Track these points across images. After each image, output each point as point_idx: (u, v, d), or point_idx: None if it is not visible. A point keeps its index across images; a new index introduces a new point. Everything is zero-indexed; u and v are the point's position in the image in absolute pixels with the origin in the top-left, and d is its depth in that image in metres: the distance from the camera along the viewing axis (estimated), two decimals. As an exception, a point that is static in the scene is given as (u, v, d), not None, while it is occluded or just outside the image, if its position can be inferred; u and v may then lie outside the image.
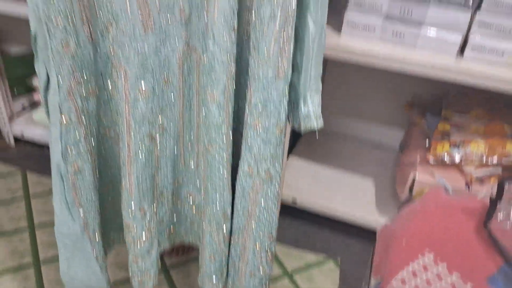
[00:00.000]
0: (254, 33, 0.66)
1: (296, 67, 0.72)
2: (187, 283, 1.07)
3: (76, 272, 0.83)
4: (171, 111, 0.75)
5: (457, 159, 1.01)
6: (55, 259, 1.10)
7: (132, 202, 0.77)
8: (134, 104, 0.70)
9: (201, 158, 0.80)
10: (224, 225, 0.80)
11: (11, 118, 1.47)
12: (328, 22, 1.07)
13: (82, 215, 0.76)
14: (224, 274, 0.87)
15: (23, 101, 1.54)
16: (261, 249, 0.81)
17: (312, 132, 1.52)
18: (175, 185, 0.84)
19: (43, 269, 1.07)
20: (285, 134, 0.74)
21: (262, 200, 0.77)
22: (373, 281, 0.49)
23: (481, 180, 1.00)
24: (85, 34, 0.67)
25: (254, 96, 0.69)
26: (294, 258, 1.16)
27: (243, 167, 0.76)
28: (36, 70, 0.76)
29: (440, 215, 0.53)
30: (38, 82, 0.78)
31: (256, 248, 0.81)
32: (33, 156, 1.45)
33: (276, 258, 1.16)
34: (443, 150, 1.01)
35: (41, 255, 1.11)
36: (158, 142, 0.77)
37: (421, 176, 1.00)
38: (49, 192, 1.31)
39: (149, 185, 0.78)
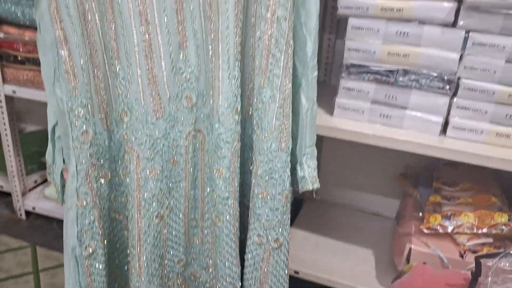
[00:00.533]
0: (257, 113, 0.75)
1: (293, 136, 0.79)
2: None
3: None
4: (177, 191, 0.80)
5: (449, 230, 1.06)
6: (61, 336, 1.11)
7: (142, 286, 0.78)
8: (144, 185, 0.75)
9: (207, 234, 0.83)
10: None
11: (24, 193, 1.54)
12: (322, 105, 1.17)
13: None
14: None
15: (36, 176, 1.62)
16: None
17: (312, 204, 1.57)
18: (180, 265, 0.85)
19: None
20: (290, 201, 0.79)
21: (273, 268, 0.80)
22: None
23: (474, 250, 1.04)
24: (101, 124, 0.75)
25: (260, 168, 0.75)
26: (297, 331, 1.16)
27: (252, 237, 0.79)
28: (49, 158, 0.81)
29: (426, 291, 0.58)
30: (52, 169, 0.83)
31: None
32: (43, 230, 1.50)
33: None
34: (436, 222, 1.06)
35: (48, 332, 1.12)
36: (166, 222, 0.80)
37: (417, 247, 1.05)
38: (58, 266, 1.34)
39: (157, 267, 0.80)
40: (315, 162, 0.81)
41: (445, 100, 0.98)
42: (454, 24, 0.93)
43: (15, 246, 1.41)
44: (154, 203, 0.76)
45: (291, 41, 0.71)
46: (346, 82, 1.05)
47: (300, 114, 0.78)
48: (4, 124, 1.40)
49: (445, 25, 0.93)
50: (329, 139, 1.50)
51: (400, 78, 1.00)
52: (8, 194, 1.58)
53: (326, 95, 1.23)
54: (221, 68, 0.71)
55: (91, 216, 0.75)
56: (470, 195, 1.12)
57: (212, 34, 0.71)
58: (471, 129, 0.98)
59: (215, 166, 0.76)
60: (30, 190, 1.57)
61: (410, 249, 1.05)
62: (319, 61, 1.39)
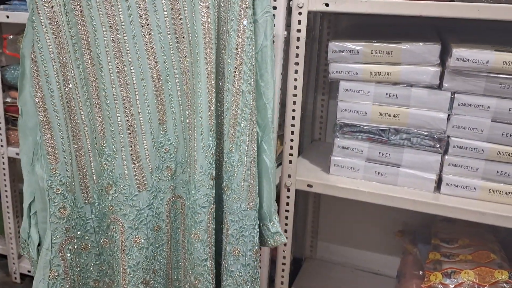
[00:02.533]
0: (226, 175, 0.81)
1: (260, 196, 0.84)
2: None
3: None
4: (160, 254, 0.85)
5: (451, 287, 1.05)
6: None
7: None
8: (129, 253, 0.79)
9: None
10: None
11: (20, 255, 1.52)
12: (318, 163, 1.20)
13: None
14: None
15: (33, 238, 1.61)
16: None
17: (311, 263, 1.55)
18: None
19: None
20: (259, 256, 0.84)
21: None
22: None
23: (477, 310, 1.02)
24: (81, 198, 0.80)
25: (231, 227, 0.81)
26: None
27: None
28: (24, 234, 0.83)
29: None
30: (26, 244, 0.84)
31: None
32: (38, 294, 1.46)
33: None
34: (437, 280, 1.05)
35: None
36: (151, 285, 0.83)
37: (418, 307, 1.03)
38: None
39: None
40: (278, 217, 0.88)
41: (436, 157, 1.01)
42: (440, 86, 0.98)
43: (9, 311, 1.37)
44: (139, 270, 0.80)
45: (255, 110, 0.80)
46: (340, 141, 1.09)
47: (266, 174, 0.84)
48: (5, 185, 1.41)
49: (431, 87, 0.98)
50: (326, 197, 1.52)
51: (392, 137, 1.04)
52: (3, 256, 1.56)
53: (322, 152, 1.27)
54: (196, 139, 0.78)
55: (62, 287, 0.78)
56: (469, 252, 1.12)
57: (188, 109, 0.79)
58: (464, 185, 1.00)
59: (193, 230, 0.81)
60: (26, 252, 1.56)
61: (412, 308, 1.04)
62: (314, 120, 1.44)
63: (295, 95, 1.04)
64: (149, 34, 0.74)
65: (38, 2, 0.69)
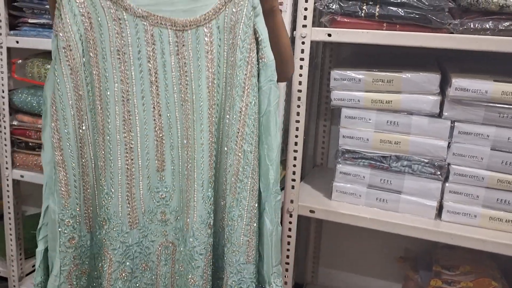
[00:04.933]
0: (227, 228, 0.85)
1: (260, 257, 0.88)
2: None
3: None
4: None
5: (453, 316, 1.05)
6: None
7: None
8: (114, 284, 0.83)
9: None
10: None
11: (20, 277, 1.52)
12: (320, 189, 1.22)
13: None
14: None
15: (34, 261, 1.60)
16: None
17: (312, 287, 1.55)
18: None
19: None
20: None
21: None
22: None
23: (479, 338, 1.02)
24: (85, 228, 0.85)
25: (230, 278, 0.85)
26: None
27: None
28: (39, 259, 0.87)
29: None
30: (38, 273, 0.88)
31: None
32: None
33: None
34: (438, 308, 1.05)
35: None
36: None
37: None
38: None
39: None
40: (281, 280, 0.90)
41: (437, 185, 1.03)
42: (440, 115, 1.00)
43: (8, 335, 1.36)
44: None
45: (257, 169, 0.84)
46: (342, 167, 1.10)
47: (265, 236, 0.87)
48: (9, 207, 1.42)
49: (432, 115, 1.01)
50: (328, 222, 1.52)
51: (393, 164, 1.05)
52: (4, 279, 1.56)
53: (323, 178, 1.28)
54: (196, 190, 0.83)
55: None
56: (471, 279, 1.12)
57: (189, 162, 0.84)
58: (464, 213, 1.01)
59: (189, 276, 0.84)
60: (27, 275, 1.55)
61: (414, 337, 1.03)
62: (316, 145, 1.46)
63: (298, 121, 1.07)
64: (157, 90, 0.81)
65: (60, 52, 0.75)
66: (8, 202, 1.41)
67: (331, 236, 1.53)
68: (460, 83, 0.94)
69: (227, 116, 0.83)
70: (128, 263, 0.84)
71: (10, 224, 1.44)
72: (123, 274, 0.83)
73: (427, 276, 1.19)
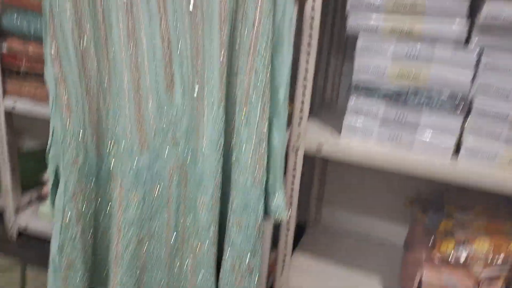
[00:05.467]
0: (236, 150, 0.81)
1: (267, 171, 0.84)
2: None
3: None
4: (159, 219, 0.86)
5: (462, 258, 1.01)
6: None
7: None
8: (125, 210, 0.81)
9: (188, 261, 0.87)
10: None
11: (17, 210, 1.49)
12: (329, 126, 1.14)
13: None
14: None
15: (30, 194, 1.57)
16: None
17: (315, 229, 1.52)
18: (165, 286, 0.90)
19: None
20: (263, 230, 0.84)
21: None
22: None
23: (489, 280, 0.98)
24: (93, 151, 0.81)
25: (236, 199, 0.82)
26: None
27: (226, 264, 0.84)
28: (49, 175, 0.86)
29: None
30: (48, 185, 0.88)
31: None
32: (35, 250, 1.44)
33: None
34: (448, 249, 1.01)
35: None
36: (146, 246, 0.85)
37: (429, 275, 0.99)
38: (48, 288, 1.28)
39: (134, 282, 0.85)
40: (284, 192, 0.88)
41: (457, 121, 0.95)
42: (467, 43, 0.90)
43: (4, 265, 1.35)
44: (132, 228, 0.82)
45: (268, 87, 0.79)
46: (355, 103, 1.02)
47: (274, 149, 0.84)
48: (1, 137, 1.36)
49: (457, 44, 0.91)
50: (334, 163, 1.46)
51: (411, 98, 0.97)
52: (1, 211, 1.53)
53: (333, 115, 1.20)
54: (206, 109, 0.79)
55: (73, 233, 0.81)
56: (484, 221, 1.07)
57: (199, 79, 0.79)
58: (484, 152, 0.94)
59: (198, 199, 0.82)
60: (24, 208, 1.52)
61: (421, 278, 1.00)
62: (326, 81, 1.37)
63: (308, 52, 0.97)
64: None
65: None
66: (1, 130, 1.35)
67: (337, 176, 1.48)
68: (494, 7, 0.84)
69: (239, 30, 0.76)
70: (139, 188, 0.81)
71: (3, 156, 1.39)
72: (134, 200, 0.80)
73: (437, 218, 1.14)
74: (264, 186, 0.83)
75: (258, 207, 0.81)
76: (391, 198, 1.41)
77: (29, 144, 1.83)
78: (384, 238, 1.46)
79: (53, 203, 0.88)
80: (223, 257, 0.85)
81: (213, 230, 0.82)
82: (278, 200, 0.85)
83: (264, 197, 0.84)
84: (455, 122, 0.95)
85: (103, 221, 0.86)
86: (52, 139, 0.83)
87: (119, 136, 0.79)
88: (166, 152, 0.82)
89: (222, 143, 0.80)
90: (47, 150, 0.85)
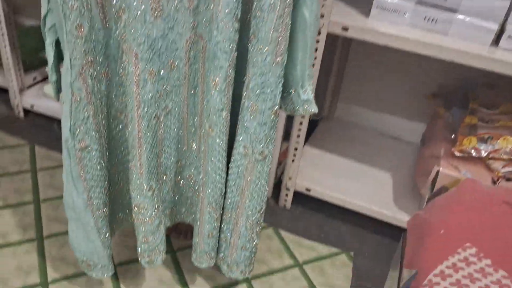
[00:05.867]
0: (255, 21, 0.71)
1: (294, 57, 0.75)
2: (193, 267, 1.04)
3: (80, 244, 0.88)
4: (176, 95, 0.79)
5: (484, 154, 0.96)
6: (59, 234, 1.07)
7: (144, 182, 0.81)
8: (143, 86, 0.73)
9: (202, 142, 0.83)
10: (220, 203, 0.85)
11: (21, 90, 1.44)
12: (355, 5, 1.02)
13: (86, 190, 0.80)
14: (216, 249, 0.92)
15: (35, 74, 1.51)
16: (252, 223, 0.87)
17: (328, 123, 1.47)
18: (178, 166, 0.88)
19: (46, 244, 1.04)
20: (278, 117, 0.78)
21: (255, 178, 0.82)
22: (405, 273, 0.45)
23: (508, 178, 0.95)
24: (99, 20, 0.72)
25: (252, 81, 0.73)
26: (305, 248, 1.12)
27: (238, 148, 0.80)
28: (46, 52, 0.78)
29: (479, 207, 0.49)
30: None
31: (248, 223, 0.86)
32: (42, 129, 1.42)
33: (287, 248, 1.12)
34: (470, 145, 0.96)
35: (45, 230, 1.08)
36: (162, 123, 0.80)
37: (446, 170, 0.96)
38: (57, 167, 1.28)
39: (155, 164, 0.82)
40: (312, 85, 0.79)
41: (503, 3, 0.83)
42: None
43: (12, 144, 1.34)
44: (152, 105, 0.76)
45: None
46: (389, -24, 0.89)
47: (302, 31, 0.73)
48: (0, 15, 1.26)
49: None
50: (354, 52, 1.36)
51: (455, -27, 0.84)
52: (5, 91, 1.49)
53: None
54: None
55: (85, 112, 0.75)
56: (509, 119, 1.01)
57: None
58: (530, 39, 0.84)
59: (211, 77, 0.74)
60: (28, 87, 1.47)
61: (438, 171, 0.96)
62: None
63: None
64: None
65: None
66: (-4, 2, 1.25)
67: (355, 68, 1.39)
68: None
69: None
70: (155, 60, 0.73)
71: (2, 32, 1.30)
72: (152, 75, 0.73)
73: (460, 114, 1.08)
74: (284, 66, 0.74)
75: (277, 90, 0.74)
76: (412, 93, 1.34)
77: (30, 22, 1.72)
78: (399, 135, 1.42)
79: (55, 82, 0.82)
80: (235, 143, 0.81)
81: (225, 113, 0.76)
82: (307, 92, 0.77)
83: (287, 83, 0.76)
84: (500, 5, 0.84)
85: (116, 100, 0.79)
86: (48, 5, 0.73)
87: (129, 1, 0.69)
88: (182, 20, 0.72)
89: (240, 11, 0.69)
90: (42, 18, 0.75)
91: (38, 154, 1.31)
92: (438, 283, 0.40)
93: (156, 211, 0.85)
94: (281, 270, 1.05)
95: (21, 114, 1.46)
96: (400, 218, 1.10)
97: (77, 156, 0.77)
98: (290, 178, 1.19)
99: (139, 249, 0.88)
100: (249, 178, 0.82)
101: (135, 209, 0.83)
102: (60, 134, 1.38)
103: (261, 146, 0.78)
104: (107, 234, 0.86)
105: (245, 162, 0.80)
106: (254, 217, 0.86)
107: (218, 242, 0.91)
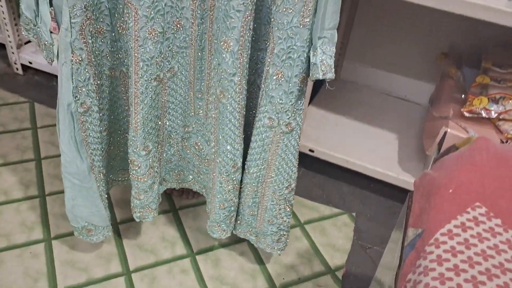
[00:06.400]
0: None
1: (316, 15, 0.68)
2: (194, 225, 1.04)
3: (81, 211, 0.86)
4: (182, 57, 0.75)
5: (493, 115, 0.93)
6: (60, 192, 1.07)
7: (138, 141, 0.79)
8: (143, 45, 0.69)
9: (211, 108, 0.79)
10: (234, 175, 0.81)
11: (19, 45, 1.40)
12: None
13: (89, 154, 0.78)
14: (232, 222, 0.90)
15: (31, 28, 1.46)
16: (280, 198, 0.83)
17: (334, 83, 1.44)
18: (185, 131, 0.86)
19: (49, 201, 1.04)
20: (306, 85, 0.72)
21: (282, 152, 0.77)
22: (410, 232, 0.44)
23: (517, 140, 0.93)
24: None
25: (277, 46, 0.68)
26: (307, 209, 1.12)
27: (262, 120, 0.75)
28: (28, 13, 0.73)
29: (493, 166, 0.47)
30: (31, 25, 0.75)
31: (275, 197, 0.83)
32: (42, 87, 1.40)
33: (288, 208, 1.11)
34: (481, 105, 0.93)
35: (47, 188, 1.07)
36: (167, 85, 0.77)
37: (454, 131, 0.93)
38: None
39: (154, 126, 0.79)
40: (334, 49, 0.69)
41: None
42: None
43: (12, 101, 1.32)
44: (152, 66, 0.72)
45: None
46: None
47: None
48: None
49: None
50: (362, 10, 1.31)
51: None
52: (2, 46, 1.45)
53: None
54: None
55: (87, 73, 0.72)
56: (524, 79, 0.97)
57: None
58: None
59: (223, 38, 0.68)
60: (26, 43, 1.43)
61: (445, 132, 0.94)
62: None
63: None
64: None
65: None
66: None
67: (363, 27, 1.34)
68: None
69: None
70: (157, 19, 0.68)
71: (-5, -20, 1.25)
72: (153, 34, 0.68)
73: (471, 74, 1.04)
74: (312, 31, 0.66)
75: (304, 55, 0.67)
76: (421, 53, 1.29)
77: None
78: (407, 96, 1.38)
79: (50, 42, 0.74)
80: (258, 115, 0.75)
81: (238, 79, 0.70)
82: (326, 55, 0.68)
83: (311, 45, 0.68)
84: (525, -48, 0.78)
85: (111, 57, 0.76)
86: None
87: None
88: None
89: None
90: None
91: (38, 111, 1.29)
92: (445, 242, 0.38)
93: (150, 170, 0.83)
94: (283, 230, 1.06)
95: (20, 70, 1.43)
96: (405, 180, 1.09)
97: (80, 120, 0.75)
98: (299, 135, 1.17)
99: (132, 203, 0.88)
100: (275, 151, 0.77)
101: (130, 164, 0.82)
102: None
103: (287, 117, 0.73)
104: (105, 195, 0.86)
105: (270, 135, 0.76)
106: (281, 193, 0.82)
107: (244, 217, 0.89)
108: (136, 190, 0.85)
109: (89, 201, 0.84)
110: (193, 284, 0.92)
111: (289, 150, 0.77)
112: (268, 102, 0.73)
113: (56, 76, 1.41)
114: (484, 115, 0.93)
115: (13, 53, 1.39)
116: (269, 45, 0.69)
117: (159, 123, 0.80)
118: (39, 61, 1.38)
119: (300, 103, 0.73)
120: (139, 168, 0.81)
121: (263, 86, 0.73)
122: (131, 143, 0.79)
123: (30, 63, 1.39)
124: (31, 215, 1.00)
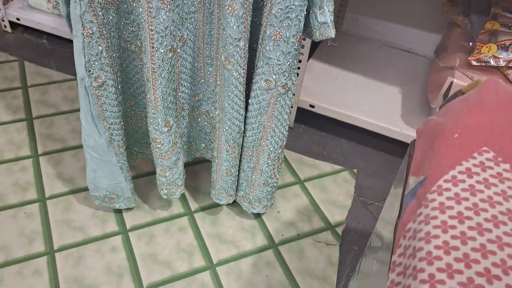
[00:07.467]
0: None
1: None
2: (192, 184, 1.02)
3: (102, 182, 0.87)
4: (191, 23, 0.73)
5: (502, 63, 0.89)
6: (53, 152, 1.04)
7: (159, 117, 0.77)
8: (156, 16, 0.66)
9: (219, 74, 0.77)
10: (239, 141, 0.82)
11: (5, 1, 1.34)
12: None
13: (107, 128, 0.78)
14: (235, 187, 0.91)
15: (18, -17, 1.40)
16: (274, 159, 0.84)
17: (336, 35, 1.37)
18: (195, 100, 0.84)
19: (42, 160, 1.02)
20: (301, 45, 0.72)
21: (277, 114, 0.77)
22: (412, 180, 0.40)
23: (526, 90, 0.88)
24: None
25: (275, 6, 0.66)
26: (307, 166, 1.09)
27: (259, 82, 0.74)
28: None
29: (502, 108, 0.43)
30: None
31: (270, 159, 0.83)
32: (32, 45, 1.34)
33: (288, 166, 1.09)
34: (490, 52, 0.88)
35: (39, 148, 1.05)
36: (179, 55, 0.75)
37: (460, 81, 0.89)
38: (49, 83, 1.22)
39: (173, 99, 0.77)
40: (333, 5, 0.69)
41: None
42: None
43: (1, 60, 1.27)
44: (167, 36, 0.69)
45: None
46: None
47: None
48: None
49: None
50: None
51: None
52: (-12, 3, 1.39)
53: None
54: None
55: (99, 47, 0.70)
56: (536, 25, 0.91)
57: None
58: None
59: (227, 2, 0.66)
60: (12, -1, 1.37)
61: (451, 83, 0.89)
62: None
63: None
64: None
65: None
66: None
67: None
68: None
69: None
70: None
71: None
72: (165, 2, 0.65)
73: (480, 20, 0.99)
74: None
75: (301, 15, 0.66)
76: (424, 2, 1.22)
77: None
78: (412, 48, 1.32)
79: (67, 17, 0.73)
80: (255, 77, 0.74)
81: (243, 43, 0.69)
82: (324, 15, 0.69)
83: (307, 3, 0.67)
84: None
85: (125, 30, 0.73)
86: None
87: None
88: None
89: None
90: None
91: (28, 70, 1.25)
92: (448, 189, 0.35)
93: (173, 147, 0.82)
94: (281, 187, 1.03)
95: (8, 28, 1.37)
96: (408, 134, 1.05)
97: (95, 95, 0.74)
98: (293, 94, 1.12)
99: (158, 181, 0.88)
100: (271, 113, 0.77)
101: (153, 142, 0.81)
102: (50, 49, 1.31)
103: (284, 78, 0.72)
104: (128, 168, 0.86)
105: (267, 97, 0.75)
106: (275, 153, 0.82)
107: (238, 181, 0.90)
108: (161, 168, 0.85)
109: (108, 173, 0.84)
110: (191, 242, 0.91)
111: (284, 110, 0.77)
112: (265, 64, 0.72)
113: (45, 33, 1.36)
114: (492, 63, 0.88)
115: (0, 9, 1.34)
116: (266, 5, 0.67)
117: (176, 96, 0.79)
118: (28, 17, 1.32)
119: (296, 62, 0.73)
120: (162, 145, 0.80)
121: (260, 47, 0.72)
122: (151, 120, 0.77)
123: (18, 19, 1.34)
124: (25, 176, 0.99)
